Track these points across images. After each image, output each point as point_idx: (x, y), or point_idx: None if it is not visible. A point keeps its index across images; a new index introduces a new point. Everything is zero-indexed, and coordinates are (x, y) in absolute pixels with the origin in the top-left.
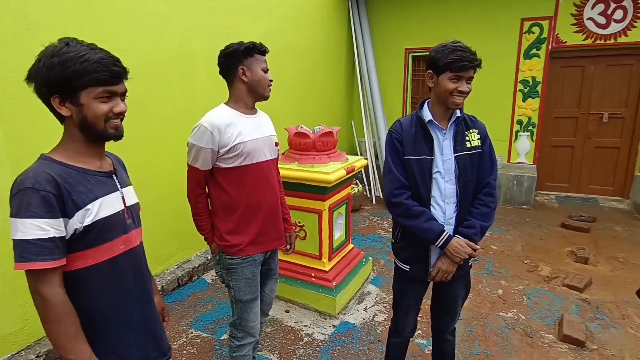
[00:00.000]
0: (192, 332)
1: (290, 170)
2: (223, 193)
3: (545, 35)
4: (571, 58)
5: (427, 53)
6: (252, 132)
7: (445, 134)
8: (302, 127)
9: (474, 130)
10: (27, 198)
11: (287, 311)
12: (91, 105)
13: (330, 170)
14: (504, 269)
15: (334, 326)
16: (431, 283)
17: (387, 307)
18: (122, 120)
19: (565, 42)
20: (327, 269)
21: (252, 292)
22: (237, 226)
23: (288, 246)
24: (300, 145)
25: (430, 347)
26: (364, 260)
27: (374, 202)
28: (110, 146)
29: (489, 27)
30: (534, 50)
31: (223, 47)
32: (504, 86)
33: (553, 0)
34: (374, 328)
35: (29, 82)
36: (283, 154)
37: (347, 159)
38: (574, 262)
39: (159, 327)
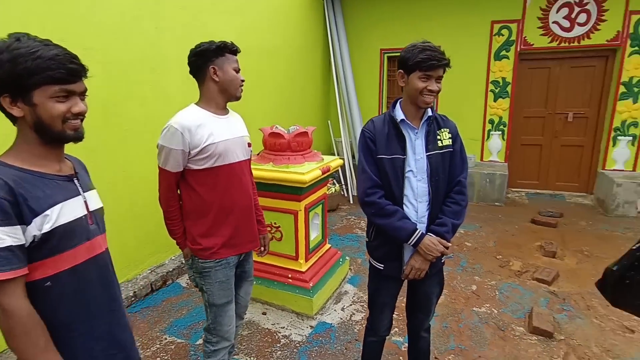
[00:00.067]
0: (166, 338)
1: (265, 171)
2: (195, 195)
3: (514, 37)
4: (538, 60)
5: None
6: (224, 133)
7: (417, 133)
8: (276, 127)
9: (445, 129)
10: None
11: (264, 313)
12: (46, 105)
13: (306, 171)
14: (478, 265)
15: (311, 327)
16: (406, 281)
17: (365, 306)
18: (82, 120)
19: (533, 44)
20: (303, 269)
21: (226, 295)
22: (209, 229)
23: (262, 248)
24: (275, 146)
25: (407, 345)
26: (341, 260)
27: (351, 202)
28: (78, 148)
29: (462, 29)
30: (503, 52)
31: (194, 46)
32: (476, 86)
33: (521, 3)
34: (352, 327)
35: None
36: (258, 154)
37: (323, 159)
38: (543, 256)
39: (129, 337)
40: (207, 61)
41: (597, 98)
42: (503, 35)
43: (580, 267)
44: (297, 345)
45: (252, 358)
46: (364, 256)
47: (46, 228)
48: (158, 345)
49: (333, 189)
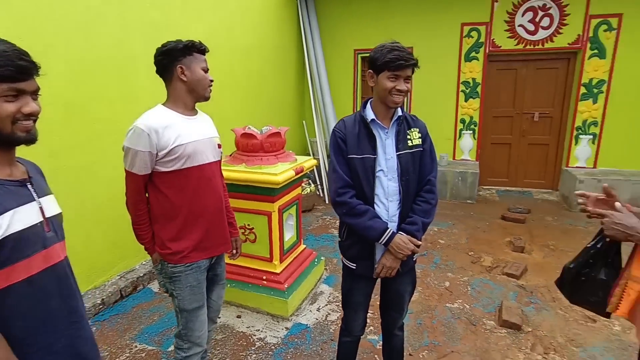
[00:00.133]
0: (136, 346)
1: (237, 172)
2: (163, 198)
3: (482, 39)
4: (506, 61)
5: None
6: (192, 134)
7: (387, 132)
8: (249, 127)
9: (415, 129)
10: None
11: (239, 316)
12: None
13: (279, 171)
14: (451, 261)
15: (286, 328)
16: (379, 280)
17: (340, 305)
18: (34, 121)
19: (500, 46)
20: (278, 271)
21: (197, 300)
22: (179, 232)
23: (234, 251)
24: (248, 147)
25: (382, 343)
26: (316, 260)
27: (327, 202)
28: (37, 151)
29: (434, 30)
30: (473, 54)
31: (160, 45)
32: (448, 87)
33: (489, 7)
34: (327, 327)
35: None
36: (230, 155)
37: (296, 160)
38: (512, 251)
39: (92, 349)
40: (174, 60)
41: (560, 98)
42: (472, 37)
43: (547, 261)
44: (273, 347)
45: None
46: (339, 256)
47: None
48: (127, 354)
49: (308, 189)
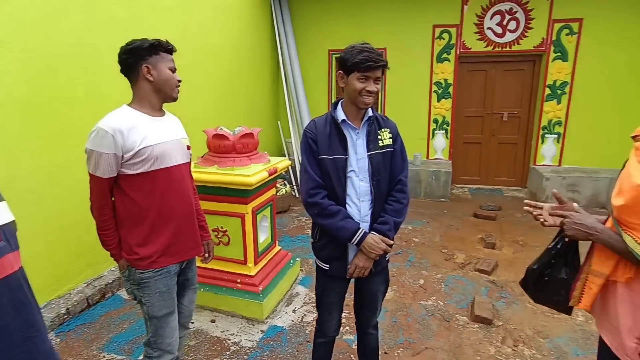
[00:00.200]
0: (104, 356)
1: (209, 174)
2: (130, 202)
3: (453, 41)
4: (476, 63)
5: None
6: (160, 135)
7: (358, 133)
8: (221, 128)
9: (385, 129)
10: None
11: (213, 321)
12: None
13: (252, 173)
14: (425, 259)
15: (262, 331)
16: (353, 280)
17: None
18: None
19: (471, 48)
20: (253, 273)
21: (167, 306)
22: (147, 237)
23: (206, 254)
24: (220, 148)
25: (357, 342)
26: (291, 261)
27: None
28: None
29: (406, 32)
30: (444, 55)
31: (124, 44)
32: (421, 87)
33: (459, 9)
34: (303, 329)
35: None
36: (202, 157)
37: (269, 161)
38: (484, 247)
39: None
40: (140, 59)
41: (527, 99)
42: (444, 39)
43: (516, 257)
44: (248, 351)
45: None
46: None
47: None
48: None
49: (284, 190)
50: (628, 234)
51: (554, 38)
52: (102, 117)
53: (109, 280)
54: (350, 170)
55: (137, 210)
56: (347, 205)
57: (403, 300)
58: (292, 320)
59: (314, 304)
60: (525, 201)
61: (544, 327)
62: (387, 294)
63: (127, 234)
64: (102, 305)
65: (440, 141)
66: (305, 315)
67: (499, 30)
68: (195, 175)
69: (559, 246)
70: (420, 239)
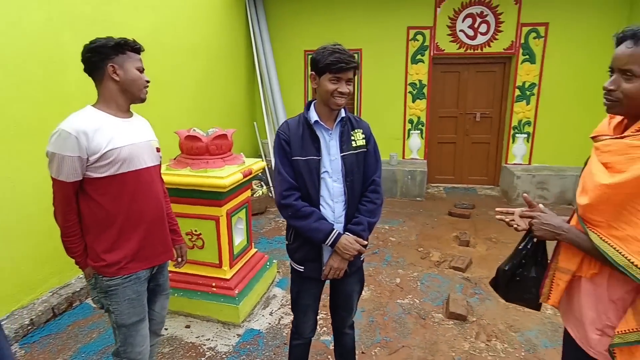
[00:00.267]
0: None
1: (182, 176)
2: (96, 206)
3: (427, 43)
4: (449, 64)
5: None
6: (128, 137)
7: (331, 134)
8: (194, 130)
9: (358, 130)
10: None
11: (188, 326)
12: None
13: (226, 175)
14: (401, 258)
15: (238, 335)
16: (328, 281)
17: None
18: None
19: (444, 50)
20: (228, 277)
21: (137, 313)
22: (114, 242)
23: (179, 259)
24: (193, 150)
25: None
26: (268, 263)
27: None
28: None
29: (381, 33)
30: (419, 56)
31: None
32: (397, 88)
33: (432, 11)
34: (280, 331)
35: None
36: (174, 159)
37: (244, 162)
38: (458, 245)
39: None
40: (105, 59)
41: (498, 100)
42: (418, 40)
43: (490, 253)
44: (224, 356)
45: None
46: None
47: None
48: None
49: (260, 192)
50: (593, 232)
51: (522, 41)
52: (67, 117)
53: (76, 288)
54: (324, 172)
55: (104, 215)
56: (321, 207)
57: (380, 300)
58: (269, 323)
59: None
60: (497, 209)
61: (515, 321)
62: (364, 294)
63: (94, 240)
64: (69, 314)
65: (416, 141)
66: (282, 317)
67: (470, 32)
68: (167, 178)
69: (528, 246)
70: (396, 238)
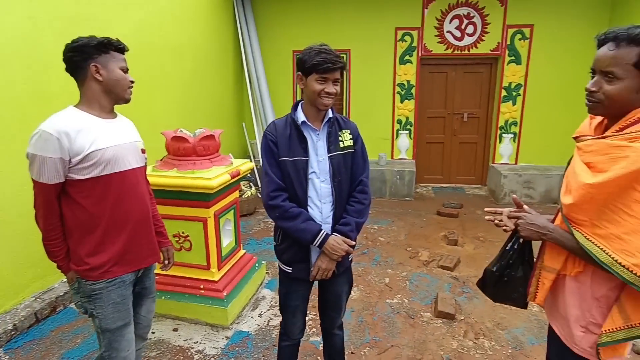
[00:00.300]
0: None
1: (168, 177)
2: (79, 209)
3: (415, 44)
4: (437, 65)
5: None
6: (112, 138)
7: (318, 134)
8: (180, 130)
9: (346, 130)
10: None
11: (175, 330)
12: None
13: (213, 176)
14: (390, 258)
15: (227, 337)
16: (317, 282)
17: None
18: None
19: (432, 50)
20: (216, 279)
21: (122, 318)
22: (98, 246)
23: (166, 261)
24: (179, 151)
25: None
26: (257, 265)
27: None
28: None
29: (370, 34)
30: (407, 57)
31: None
32: (385, 89)
33: (420, 12)
34: (269, 333)
35: None
36: (161, 160)
37: (232, 163)
38: (447, 244)
39: None
40: (88, 58)
41: (485, 100)
42: (406, 41)
43: (477, 252)
44: (212, 359)
45: None
46: None
47: None
48: None
49: (249, 193)
50: (578, 231)
51: (508, 42)
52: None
53: (59, 292)
54: (311, 172)
55: (87, 217)
56: (308, 207)
57: (369, 300)
58: (258, 325)
59: None
60: (486, 209)
61: (502, 319)
62: (353, 294)
63: (77, 244)
64: (52, 319)
65: (404, 141)
66: (271, 319)
67: (457, 33)
68: (153, 179)
69: (515, 247)
70: (385, 238)
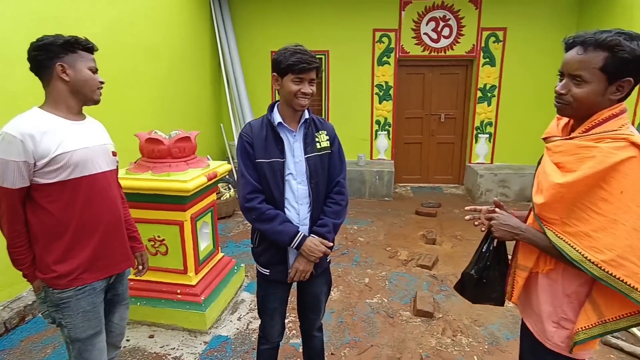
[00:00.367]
0: None
1: (143, 180)
2: (45, 214)
3: (393, 45)
4: (414, 66)
5: None
6: (80, 140)
7: (295, 136)
8: (155, 132)
9: (323, 131)
10: None
11: (151, 336)
12: None
13: (189, 178)
14: (370, 258)
15: (205, 343)
16: (295, 284)
17: None
18: None
19: (409, 52)
20: (194, 283)
21: (92, 326)
22: (66, 252)
23: (140, 267)
24: (154, 153)
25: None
26: (235, 267)
27: None
28: None
29: (348, 35)
30: (385, 58)
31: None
32: (364, 89)
33: (397, 14)
34: (249, 337)
35: None
36: (135, 163)
37: (209, 165)
38: (425, 244)
39: None
40: (54, 57)
41: (461, 101)
42: (384, 42)
43: (455, 250)
44: None
45: None
46: None
47: None
48: None
49: (228, 195)
50: (549, 229)
51: (482, 45)
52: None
53: (28, 301)
54: (288, 174)
55: (54, 223)
56: (285, 209)
57: (349, 300)
58: (237, 329)
59: None
60: (466, 208)
61: (479, 315)
62: (333, 295)
63: (43, 251)
64: (21, 329)
65: (383, 142)
66: (251, 322)
67: (434, 35)
68: (127, 183)
69: (491, 248)
70: (365, 238)
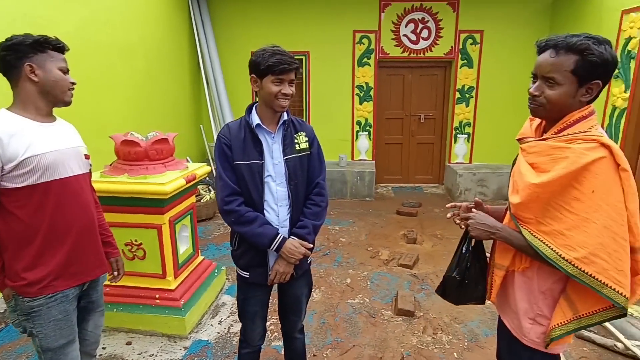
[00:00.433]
0: None
1: (118, 183)
2: (13, 220)
3: (373, 46)
4: (394, 67)
5: None
6: (51, 143)
7: (274, 137)
8: (131, 134)
9: (302, 132)
10: None
11: (129, 343)
12: None
13: (167, 181)
14: (352, 258)
15: (185, 348)
16: (276, 286)
17: None
18: None
19: (389, 53)
20: (173, 287)
21: (65, 335)
22: (37, 259)
23: (115, 272)
24: (130, 155)
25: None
26: (216, 270)
27: None
28: None
29: (328, 36)
30: (365, 59)
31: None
32: (344, 90)
33: (377, 15)
34: (230, 340)
35: None
36: (110, 165)
37: (188, 167)
38: (406, 243)
39: None
40: (23, 57)
41: (441, 102)
42: (364, 44)
43: (435, 249)
44: None
45: None
46: None
47: None
48: None
49: (208, 197)
50: (525, 228)
51: (460, 47)
52: None
53: (0, 310)
54: (267, 176)
55: (23, 229)
56: (265, 211)
57: (331, 301)
58: (218, 333)
59: None
60: (447, 206)
61: (459, 313)
62: (315, 296)
63: (12, 258)
64: None
65: (364, 142)
66: (232, 325)
67: (413, 37)
68: (102, 186)
69: (470, 248)
70: (347, 238)
